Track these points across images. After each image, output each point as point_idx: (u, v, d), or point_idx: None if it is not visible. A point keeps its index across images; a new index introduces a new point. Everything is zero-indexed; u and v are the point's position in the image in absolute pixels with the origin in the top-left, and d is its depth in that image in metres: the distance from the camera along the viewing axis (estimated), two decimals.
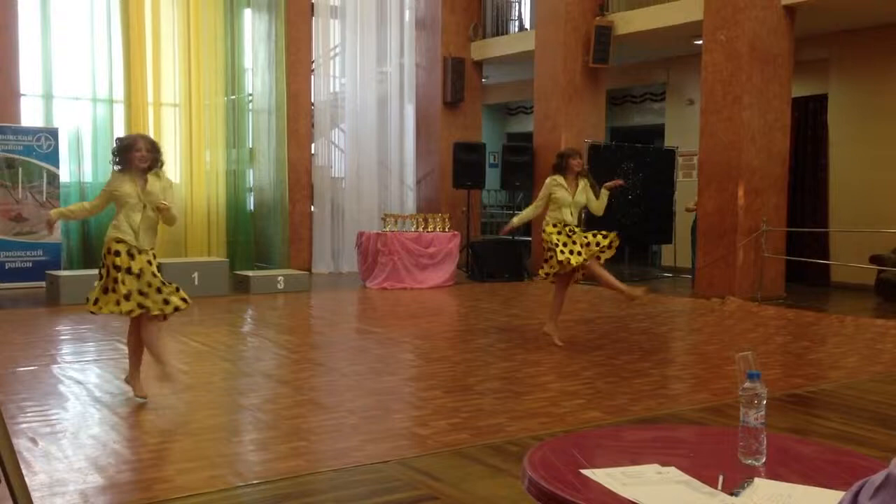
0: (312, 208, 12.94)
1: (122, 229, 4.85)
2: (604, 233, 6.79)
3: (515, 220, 7.19)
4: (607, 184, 6.98)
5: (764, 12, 10.01)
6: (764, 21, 10.03)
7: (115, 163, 4.95)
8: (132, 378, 5.04)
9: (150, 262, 4.90)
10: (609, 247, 6.72)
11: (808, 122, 12.01)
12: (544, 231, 6.79)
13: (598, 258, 6.73)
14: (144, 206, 4.87)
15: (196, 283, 9.75)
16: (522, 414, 4.79)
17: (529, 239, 13.20)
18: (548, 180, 6.88)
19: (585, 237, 6.74)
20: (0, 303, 8.97)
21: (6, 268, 10.16)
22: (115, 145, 5.03)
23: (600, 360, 6.38)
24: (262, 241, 12.64)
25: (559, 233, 6.71)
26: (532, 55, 12.76)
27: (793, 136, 10.85)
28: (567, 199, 6.74)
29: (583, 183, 6.86)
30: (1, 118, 10.36)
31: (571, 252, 6.60)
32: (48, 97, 10.95)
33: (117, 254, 4.81)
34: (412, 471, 3.76)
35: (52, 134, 10.59)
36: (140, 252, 4.87)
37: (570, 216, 6.76)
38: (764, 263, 10.17)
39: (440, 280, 11.26)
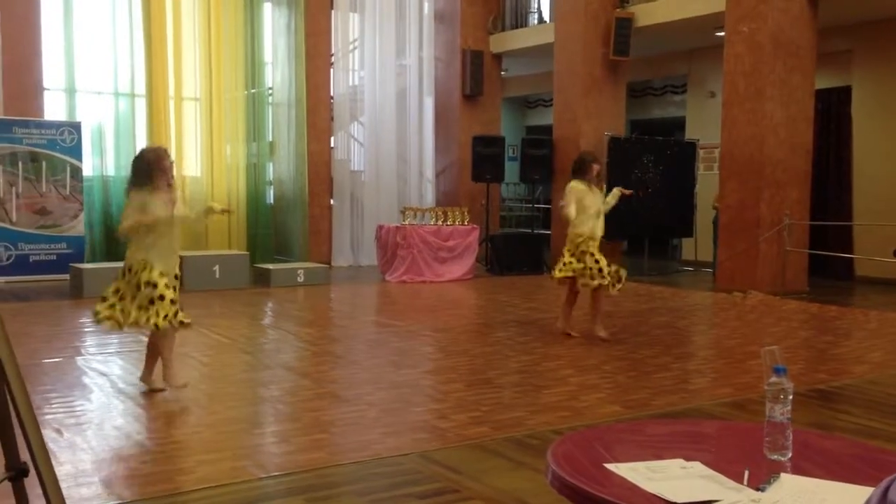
0: (332, 201, 12.97)
1: (164, 257, 4.86)
2: (614, 271, 6.76)
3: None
4: (620, 190, 7.04)
5: (787, 3, 9.90)
6: (787, 12, 9.93)
7: (145, 178, 4.84)
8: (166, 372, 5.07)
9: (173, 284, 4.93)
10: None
11: (832, 114, 11.89)
12: (571, 240, 6.84)
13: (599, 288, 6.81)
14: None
15: (217, 275, 9.82)
16: (542, 407, 4.78)
17: (549, 233, 13.17)
18: (572, 185, 6.82)
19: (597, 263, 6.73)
20: (25, 295, 9.07)
21: (30, 260, 10.26)
22: (141, 161, 4.91)
23: (620, 355, 6.36)
24: (282, 234, 12.69)
25: (575, 252, 6.77)
26: (552, 48, 12.71)
27: (816, 128, 10.74)
28: (597, 203, 6.79)
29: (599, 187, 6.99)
30: (25, 112, 10.45)
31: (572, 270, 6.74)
32: (71, 91, 11.03)
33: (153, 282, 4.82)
34: (433, 464, 3.77)
35: (75, 128, 10.68)
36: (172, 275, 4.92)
37: (596, 221, 6.79)
38: (786, 257, 10.09)
39: (459, 273, 11.25)
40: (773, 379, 2.01)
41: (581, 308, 7.21)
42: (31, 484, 2.10)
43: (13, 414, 1.88)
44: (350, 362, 6.12)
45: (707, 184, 12.60)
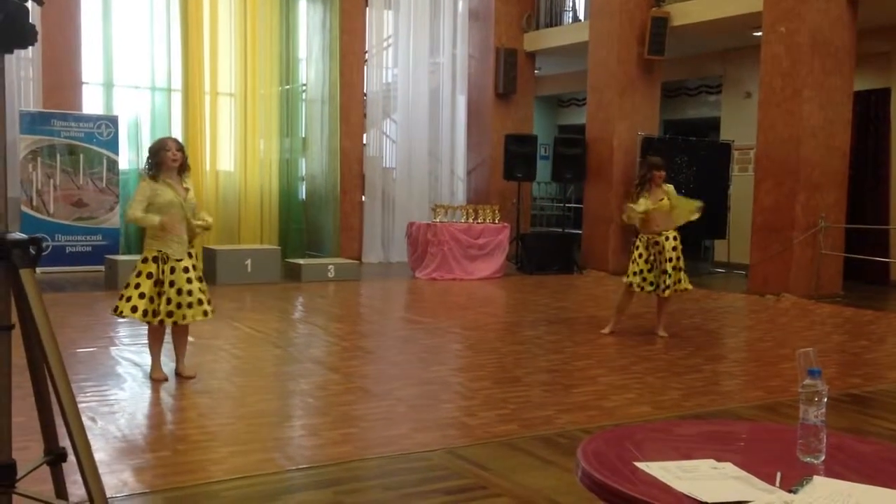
0: (363, 198, 13.02)
1: (167, 241, 4.98)
2: (680, 279, 6.96)
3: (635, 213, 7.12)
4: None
5: (826, 3, 9.76)
6: (826, 12, 9.79)
7: (150, 167, 5.05)
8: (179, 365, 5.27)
9: (188, 269, 5.03)
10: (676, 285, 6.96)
11: (870, 116, 11.70)
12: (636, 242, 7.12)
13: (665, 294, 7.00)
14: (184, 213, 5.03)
15: (249, 269, 9.91)
16: (571, 406, 4.77)
17: (580, 232, 13.12)
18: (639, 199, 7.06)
19: (666, 265, 6.88)
20: (61, 286, 9.22)
21: (67, 252, 10.43)
22: (148, 153, 5.16)
23: (651, 355, 6.32)
24: (314, 229, 12.76)
25: (643, 251, 6.95)
26: (586, 46, 12.64)
27: (854, 130, 10.58)
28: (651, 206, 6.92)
29: (668, 188, 7.03)
30: (63, 106, 10.62)
31: (645, 280, 6.93)
32: (109, 86, 11.20)
33: (157, 260, 4.98)
34: (460, 460, 3.77)
35: (113, 121, 10.83)
36: (179, 260, 5.00)
37: (661, 224, 6.93)
38: (821, 260, 9.95)
39: (489, 271, 11.25)
40: (808, 381, 1.99)
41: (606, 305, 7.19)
42: (69, 470, 2.14)
43: (54, 402, 1.92)
44: (379, 358, 6.15)
45: (742, 185, 12.47)
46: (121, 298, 4.99)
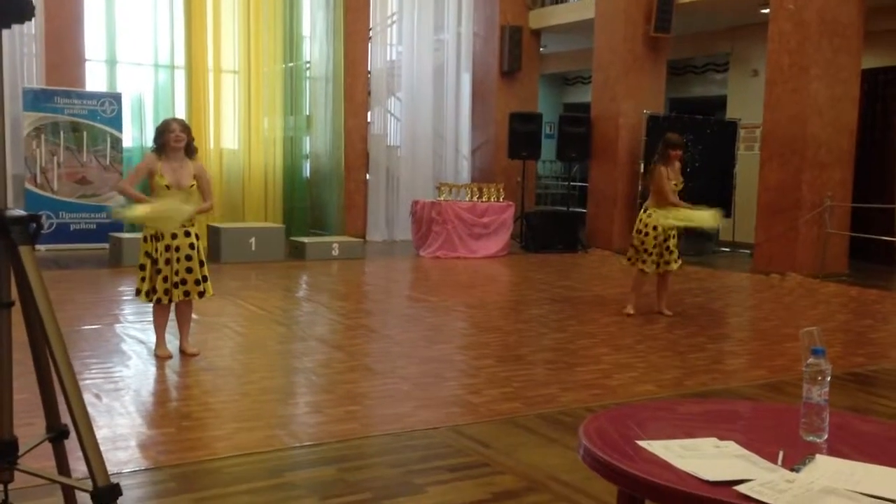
0: (367, 176, 12.99)
1: (158, 221, 4.98)
2: (675, 258, 6.92)
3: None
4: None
5: None
6: None
7: (155, 145, 5.11)
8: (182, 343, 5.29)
9: (187, 247, 5.03)
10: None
11: (878, 94, 11.61)
12: (642, 220, 6.93)
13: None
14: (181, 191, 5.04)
15: (253, 248, 9.91)
16: (575, 385, 4.78)
17: (584, 211, 13.09)
18: (660, 170, 6.86)
19: (667, 244, 6.84)
20: (65, 263, 9.23)
21: (71, 229, 10.43)
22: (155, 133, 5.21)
23: (654, 334, 6.32)
24: (318, 207, 12.74)
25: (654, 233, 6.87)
26: (592, 24, 12.54)
27: (861, 109, 10.49)
28: (672, 187, 6.86)
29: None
30: (66, 83, 10.58)
31: (645, 262, 6.91)
32: (112, 63, 11.14)
33: (154, 238, 5.00)
34: (464, 438, 3.79)
35: (116, 99, 10.79)
36: (174, 238, 5.00)
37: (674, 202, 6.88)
38: (827, 239, 9.92)
39: (494, 250, 11.24)
40: (811, 360, 1.98)
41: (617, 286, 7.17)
42: (72, 447, 2.15)
43: (55, 378, 1.92)
44: (383, 336, 6.15)
45: (747, 164, 12.40)
46: (143, 280, 5.01)
